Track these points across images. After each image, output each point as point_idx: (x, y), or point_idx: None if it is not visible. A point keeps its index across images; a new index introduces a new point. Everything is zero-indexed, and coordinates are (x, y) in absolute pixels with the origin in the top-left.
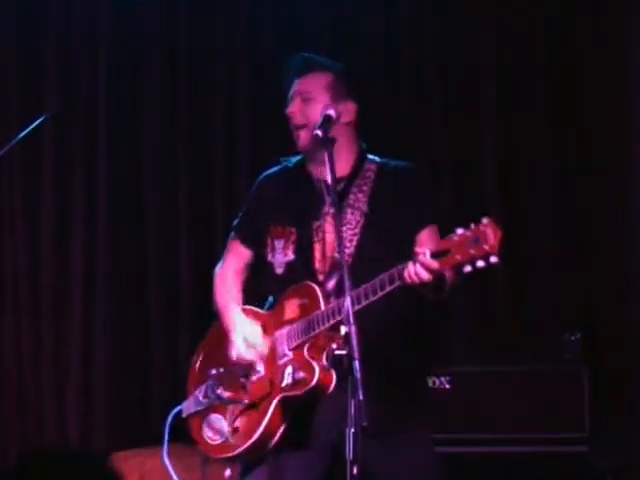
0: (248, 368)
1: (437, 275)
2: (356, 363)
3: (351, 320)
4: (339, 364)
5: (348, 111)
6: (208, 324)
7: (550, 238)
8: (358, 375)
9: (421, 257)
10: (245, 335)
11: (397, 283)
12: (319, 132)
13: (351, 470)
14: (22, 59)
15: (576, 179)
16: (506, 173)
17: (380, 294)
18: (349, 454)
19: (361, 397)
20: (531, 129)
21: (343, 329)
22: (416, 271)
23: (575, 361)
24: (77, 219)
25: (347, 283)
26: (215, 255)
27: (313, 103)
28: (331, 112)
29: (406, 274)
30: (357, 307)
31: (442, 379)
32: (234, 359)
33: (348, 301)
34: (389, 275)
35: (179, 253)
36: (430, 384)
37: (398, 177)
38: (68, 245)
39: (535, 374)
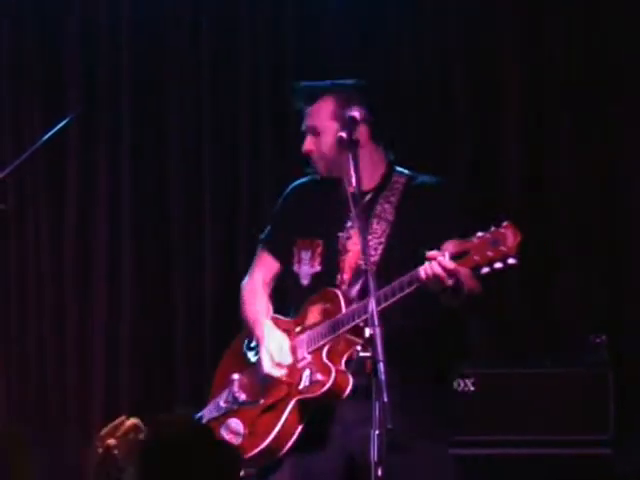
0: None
1: (454, 277)
2: (380, 365)
3: (375, 322)
4: (362, 367)
5: (363, 132)
6: (231, 326)
7: (575, 238)
8: (382, 377)
9: (439, 258)
10: (271, 352)
11: (416, 284)
12: (343, 134)
13: (376, 472)
14: (44, 59)
15: (600, 179)
16: (530, 173)
17: (399, 295)
18: (374, 456)
19: (386, 399)
20: (555, 131)
21: (367, 331)
22: (432, 268)
23: (600, 363)
24: (101, 220)
25: (371, 285)
26: (237, 257)
27: (323, 136)
28: (355, 113)
29: (422, 271)
30: (377, 308)
31: (466, 381)
32: (264, 375)
33: (373, 303)
34: (409, 277)
35: (203, 254)
36: (455, 386)
37: (427, 191)
38: (92, 246)
39: (559, 376)
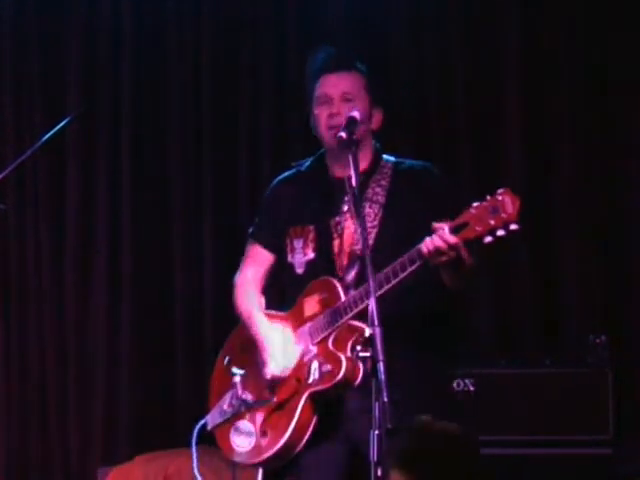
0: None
1: (455, 250)
2: (380, 365)
3: (375, 322)
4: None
5: (377, 118)
6: (231, 326)
7: (575, 238)
8: (382, 377)
9: (440, 232)
10: (274, 354)
11: (418, 262)
12: (343, 134)
13: (375, 472)
14: (44, 59)
15: (600, 179)
16: (530, 173)
17: (402, 276)
18: (373, 456)
19: (385, 399)
20: (556, 131)
21: (367, 331)
22: (433, 242)
23: (600, 363)
24: (101, 220)
25: (371, 285)
26: (239, 256)
27: (354, 104)
28: (355, 114)
29: (424, 246)
30: (380, 292)
31: (466, 381)
32: (268, 379)
33: (372, 303)
34: (409, 255)
35: (203, 254)
36: (454, 386)
37: (416, 173)
38: (92, 246)
39: (559, 376)
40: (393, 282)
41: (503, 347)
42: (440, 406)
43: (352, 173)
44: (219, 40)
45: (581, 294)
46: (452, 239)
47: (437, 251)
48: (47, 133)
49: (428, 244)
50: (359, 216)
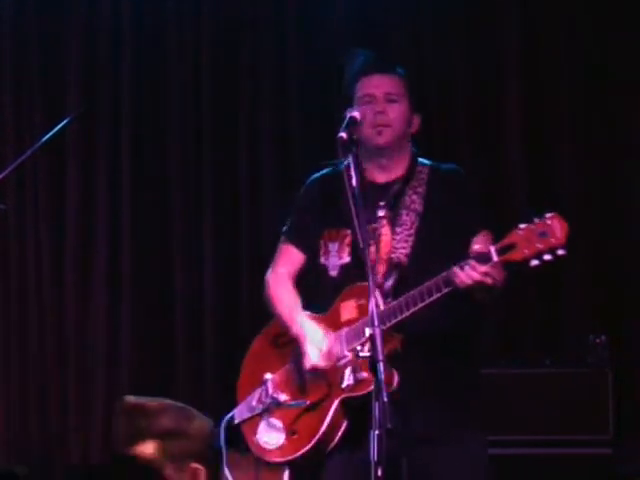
0: (306, 372)
1: (491, 276)
2: (380, 365)
3: (375, 322)
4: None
5: (416, 122)
6: (231, 323)
7: (575, 238)
8: (382, 377)
9: (473, 264)
10: (318, 344)
11: (452, 286)
12: (343, 134)
13: (375, 471)
14: (45, 59)
15: (600, 179)
16: (530, 173)
17: (436, 296)
18: (373, 456)
19: (385, 399)
20: (556, 131)
21: (367, 331)
22: (469, 276)
23: (600, 363)
24: (101, 220)
25: (371, 284)
26: (239, 256)
27: (397, 105)
28: (355, 114)
29: (458, 280)
30: (413, 309)
31: None
32: (308, 369)
33: (372, 303)
34: (442, 278)
35: (202, 253)
36: None
37: (451, 180)
38: (92, 246)
39: (560, 376)
40: (427, 301)
41: (503, 347)
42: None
43: (352, 173)
44: (219, 40)
45: (581, 294)
46: (485, 269)
47: (475, 283)
48: (47, 133)
49: (463, 278)
50: (360, 219)
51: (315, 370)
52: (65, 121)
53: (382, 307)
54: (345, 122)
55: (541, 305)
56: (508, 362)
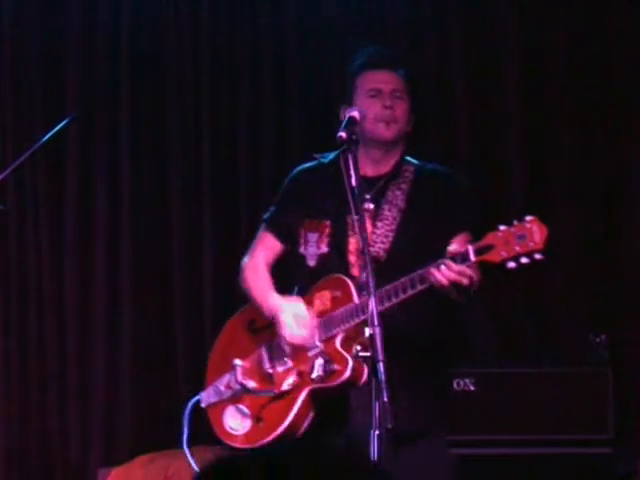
0: (275, 358)
1: (468, 277)
2: (380, 365)
3: (375, 322)
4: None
5: (411, 123)
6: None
7: (574, 237)
8: (382, 377)
9: (448, 264)
10: (295, 312)
11: (427, 284)
12: (343, 134)
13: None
14: (44, 59)
15: (600, 179)
16: (530, 173)
17: (410, 293)
18: (374, 456)
19: (385, 399)
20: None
21: (367, 331)
22: (444, 275)
23: (600, 363)
24: (101, 220)
25: (371, 285)
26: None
27: (403, 103)
28: (355, 114)
29: (433, 278)
30: (387, 304)
31: (466, 380)
32: (287, 340)
33: (372, 302)
34: (418, 275)
35: (202, 253)
36: (454, 386)
37: (436, 180)
38: (92, 246)
39: (559, 376)
40: (402, 297)
41: (503, 347)
42: (440, 406)
43: (352, 173)
44: (219, 40)
45: (581, 294)
46: (460, 269)
47: (451, 282)
48: (47, 133)
49: (438, 277)
50: (359, 217)
51: (292, 338)
52: (65, 121)
53: (356, 301)
54: (345, 122)
55: (541, 305)
56: (508, 362)
